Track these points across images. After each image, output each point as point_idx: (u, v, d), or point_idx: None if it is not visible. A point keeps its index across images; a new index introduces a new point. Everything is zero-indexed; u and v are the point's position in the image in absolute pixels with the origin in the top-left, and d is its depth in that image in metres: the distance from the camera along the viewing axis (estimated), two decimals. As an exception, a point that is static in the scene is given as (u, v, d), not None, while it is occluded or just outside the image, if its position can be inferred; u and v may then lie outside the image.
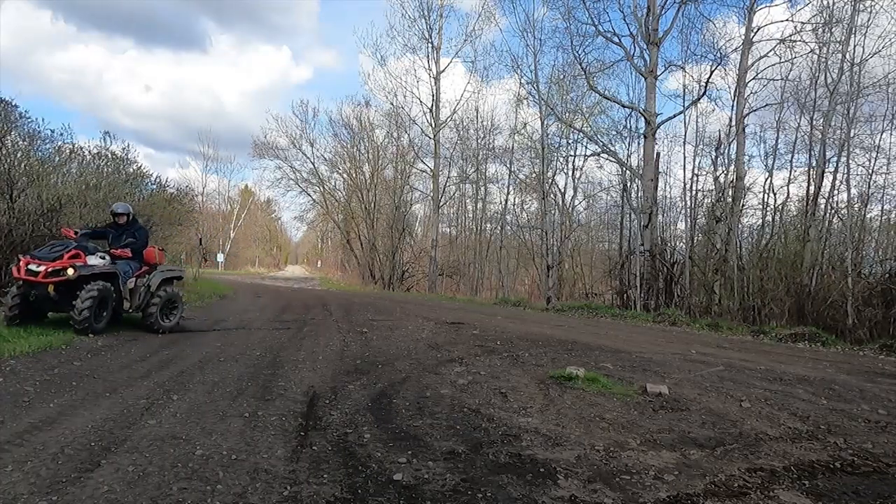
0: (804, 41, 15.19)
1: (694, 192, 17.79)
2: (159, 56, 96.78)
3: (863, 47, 13.76)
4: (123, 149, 14.77)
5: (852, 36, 13.81)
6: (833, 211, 14.06)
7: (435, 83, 26.96)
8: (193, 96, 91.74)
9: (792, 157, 16.41)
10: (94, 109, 79.14)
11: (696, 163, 18.19)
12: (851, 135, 13.55)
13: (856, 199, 14.02)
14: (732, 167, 15.94)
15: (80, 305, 6.80)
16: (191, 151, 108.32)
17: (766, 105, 16.33)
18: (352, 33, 76.38)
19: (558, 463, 3.38)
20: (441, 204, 28.16)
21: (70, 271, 6.85)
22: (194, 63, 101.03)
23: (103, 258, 7.37)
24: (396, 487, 2.95)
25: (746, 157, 16.46)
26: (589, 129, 20.97)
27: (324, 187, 33.68)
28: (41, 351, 5.97)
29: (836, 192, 14.03)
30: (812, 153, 15.17)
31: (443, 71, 27.10)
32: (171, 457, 3.21)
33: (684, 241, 18.00)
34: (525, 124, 23.99)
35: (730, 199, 15.71)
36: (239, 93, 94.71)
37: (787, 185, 16.20)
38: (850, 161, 13.64)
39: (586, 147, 22.67)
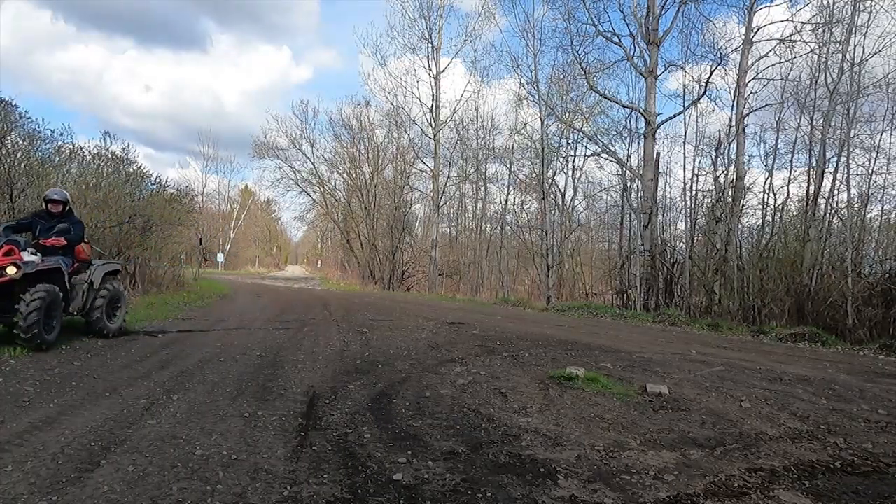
0: (804, 41, 15.18)
1: (694, 192, 17.78)
2: (159, 56, 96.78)
3: (863, 47, 13.76)
4: (123, 149, 14.77)
5: (852, 36, 13.79)
6: (833, 211, 14.05)
7: (435, 83, 26.98)
8: (194, 96, 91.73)
9: (792, 157, 16.40)
10: (94, 109, 79.19)
11: (696, 163, 18.21)
12: (851, 135, 13.53)
13: (856, 199, 14.01)
14: (732, 167, 15.93)
15: (25, 315, 5.64)
16: (191, 151, 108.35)
17: (766, 105, 16.31)
18: (352, 33, 76.33)
19: (558, 463, 3.38)
20: (441, 204, 28.15)
21: (11, 270, 5.69)
22: (194, 63, 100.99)
23: (35, 254, 6.20)
24: (396, 487, 2.95)
25: (746, 157, 16.44)
26: (589, 129, 20.96)
27: (324, 187, 33.72)
28: (40, 350, 5.97)
29: (836, 192, 14.02)
30: (812, 153, 15.15)
31: (443, 71, 27.14)
32: (171, 457, 3.21)
33: (684, 241, 17.99)
34: (525, 124, 23.98)
35: (730, 199, 15.70)
36: (239, 93, 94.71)
37: (787, 185, 16.19)
38: (850, 161, 13.62)
39: (586, 147, 22.66)
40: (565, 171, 24.60)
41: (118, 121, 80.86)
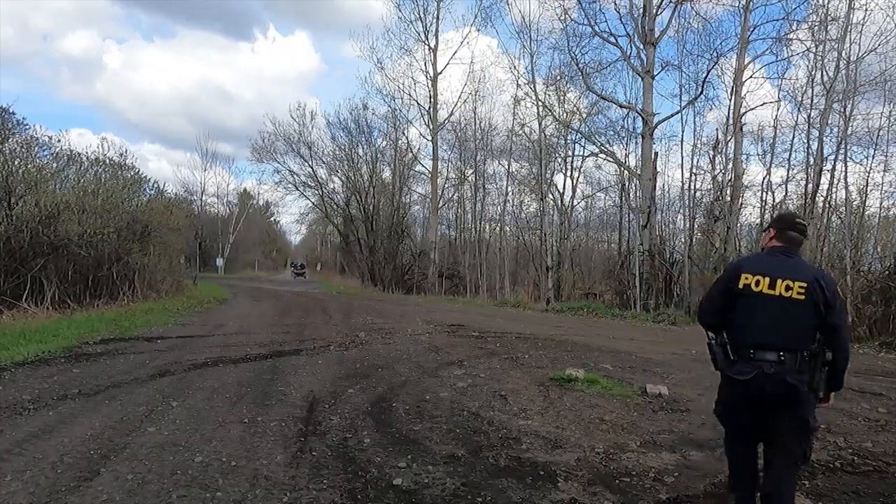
0: (800, 39, 15.23)
1: (692, 192, 17.80)
2: (162, 56, 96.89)
3: (859, 45, 13.78)
4: (121, 154, 14.82)
5: (848, 34, 13.82)
6: (831, 208, 14.07)
7: (432, 85, 26.97)
8: (194, 96, 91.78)
9: (790, 155, 16.43)
10: (101, 104, 79.05)
11: (694, 162, 18.15)
12: (848, 132, 13.57)
13: (854, 197, 14.05)
14: (730, 166, 15.96)
15: None
16: (191, 152, 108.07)
17: (764, 103, 16.37)
18: (350, 35, 76.08)
19: (558, 465, 3.38)
20: (440, 205, 28.15)
21: None
22: (195, 63, 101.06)
23: None
24: (396, 492, 2.94)
25: (744, 156, 16.47)
26: (587, 129, 20.98)
27: (322, 190, 33.69)
28: (40, 358, 5.97)
29: (834, 189, 14.05)
30: (809, 151, 15.17)
31: (440, 72, 27.11)
32: (170, 464, 3.21)
33: (683, 240, 18.01)
34: (523, 125, 23.97)
35: (728, 198, 15.73)
36: (241, 93, 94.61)
37: (785, 184, 16.21)
38: (848, 158, 13.67)
39: (584, 147, 22.68)
40: (564, 171, 24.64)
41: (125, 114, 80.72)
